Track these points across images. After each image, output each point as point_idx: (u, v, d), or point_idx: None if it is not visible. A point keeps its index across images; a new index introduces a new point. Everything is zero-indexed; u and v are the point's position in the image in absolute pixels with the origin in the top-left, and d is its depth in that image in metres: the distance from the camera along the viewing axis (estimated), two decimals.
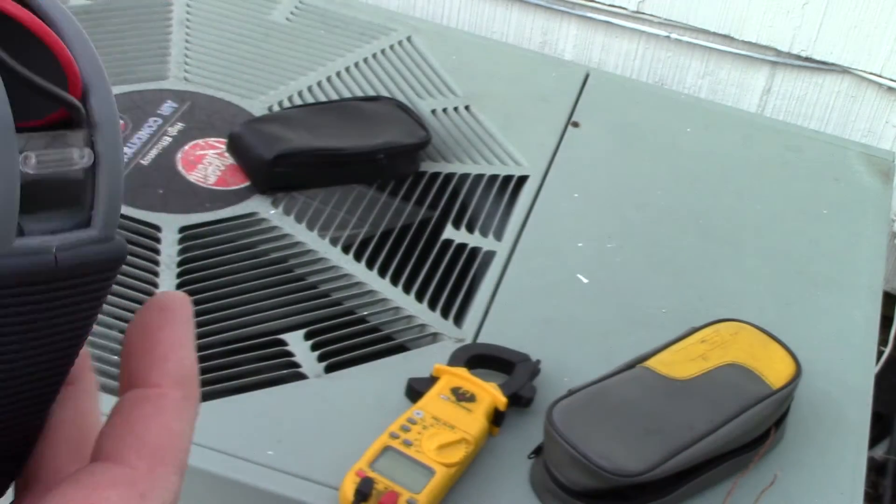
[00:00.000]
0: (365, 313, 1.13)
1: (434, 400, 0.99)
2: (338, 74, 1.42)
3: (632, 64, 1.76)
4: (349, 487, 0.90)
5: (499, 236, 1.23)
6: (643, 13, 1.70)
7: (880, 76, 1.64)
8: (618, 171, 1.34)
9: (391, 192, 1.27)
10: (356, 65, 1.44)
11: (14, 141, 0.28)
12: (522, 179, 1.31)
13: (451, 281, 1.17)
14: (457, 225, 1.24)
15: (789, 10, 1.63)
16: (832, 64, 1.65)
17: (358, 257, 1.17)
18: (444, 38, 1.53)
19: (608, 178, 1.33)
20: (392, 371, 1.05)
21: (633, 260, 1.22)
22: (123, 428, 0.30)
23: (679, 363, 1.01)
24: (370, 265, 1.17)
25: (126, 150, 1.26)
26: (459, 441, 0.96)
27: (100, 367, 0.98)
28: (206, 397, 0.99)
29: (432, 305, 1.14)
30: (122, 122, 1.29)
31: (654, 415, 0.96)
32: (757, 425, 1.00)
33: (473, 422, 0.98)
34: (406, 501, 0.90)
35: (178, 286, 1.11)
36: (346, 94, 1.39)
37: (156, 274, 1.12)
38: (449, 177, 1.30)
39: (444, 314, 1.13)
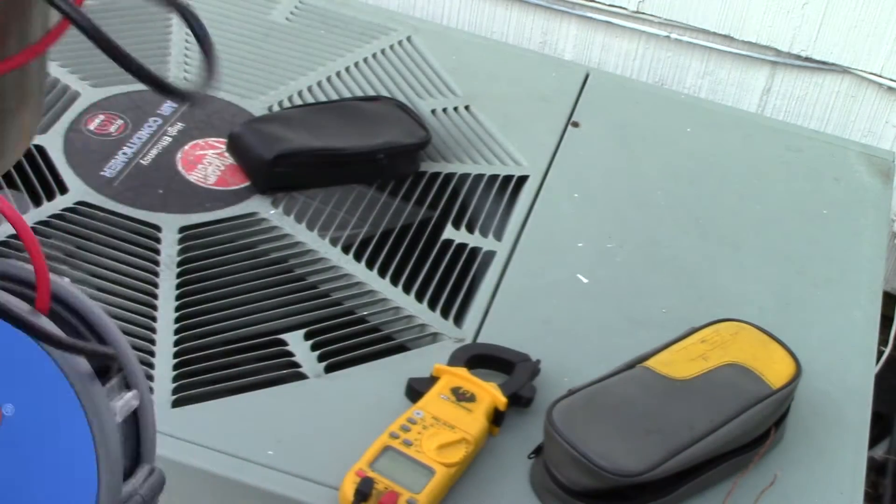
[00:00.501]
0: (365, 313, 1.13)
1: (434, 400, 0.99)
2: (338, 74, 1.42)
3: (632, 64, 1.76)
4: (349, 487, 0.90)
5: (499, 236, 1.23)
6: (643, 13, 1.69)
7: (880, 76, 1.63)
8: (618, 171, 1.34)
9: (391, 192, 1.27)
10: (356, 65, 1.44)
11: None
12: (522, 179, 1.31)
13: (451, 281, 1.17)
14: (457, 225, 1.24)
15: (789, 10, 1.63)
16: (832, 64, 1.65)
17: (358, 257, 1.17)
18: (444, 38, 1.53)
19: (608, 178, 1.33)
20: (392, 371, 1.05)
21: (633, 260, 1.22)
22: None
23: (679, 363, 1.01)
24: (370, 265, 1.17)
25: (126, 150, 1.26)
26: (459, 441, 0.96)
27: None
28: (207, 397, 0.99)
29: (432, 305, 1.14)
30: (122, 122, 1.29)
31: (655, 415, 0.96)
32: (757, 425, 1.00)
33: (473, 422, 0.98)
34: (406, 501, 0.90)
35: (178, 286, 1.11)
36: (346, 94, 1.39)
37: (156, 274, 1.12)
38: (449, 177, 1.30)
39: (444, 314, 1.13)
